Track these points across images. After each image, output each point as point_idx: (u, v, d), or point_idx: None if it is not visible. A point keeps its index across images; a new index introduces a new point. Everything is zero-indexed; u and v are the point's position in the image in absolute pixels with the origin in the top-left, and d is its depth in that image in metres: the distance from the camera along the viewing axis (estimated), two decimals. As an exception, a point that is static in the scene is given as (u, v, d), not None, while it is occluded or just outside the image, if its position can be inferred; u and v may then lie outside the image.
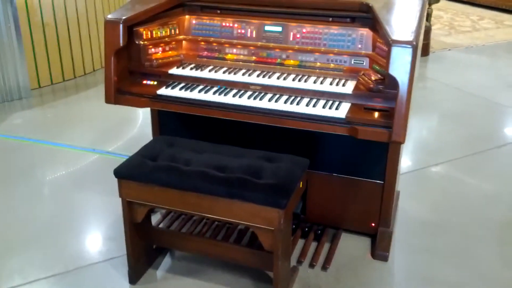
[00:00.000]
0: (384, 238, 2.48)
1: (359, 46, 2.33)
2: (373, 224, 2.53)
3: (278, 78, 2.32)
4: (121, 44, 2.29)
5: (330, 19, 2.35)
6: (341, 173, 2.51)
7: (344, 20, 2.35)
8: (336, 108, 2.14)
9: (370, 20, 2.29)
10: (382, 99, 2.14)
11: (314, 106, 2.17)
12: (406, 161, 3.41)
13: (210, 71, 2.41)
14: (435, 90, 4.78)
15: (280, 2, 2.44)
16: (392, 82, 2.04)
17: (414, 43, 1.91)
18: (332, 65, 2.36)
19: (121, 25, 2.26)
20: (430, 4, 5.89)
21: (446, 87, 4.84)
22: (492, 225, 2.77)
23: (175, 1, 2.50)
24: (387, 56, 1.97)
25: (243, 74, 2.36)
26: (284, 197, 1.90)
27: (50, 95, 4.62)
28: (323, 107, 2.16)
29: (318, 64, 2.38)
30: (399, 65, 1.93)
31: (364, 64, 2.32)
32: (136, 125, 4.01)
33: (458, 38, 6.69)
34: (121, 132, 3.91)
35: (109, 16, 2.31)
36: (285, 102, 2.21)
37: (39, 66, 4.68)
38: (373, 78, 2.21)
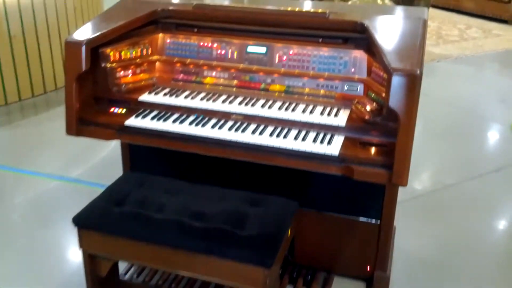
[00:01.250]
0: (381, 284, 2.23)
1: (352, 70, 2.09)
2: (368, 268, 2.28)
3: (262, 106, 2.06)
4: (84, 69, 2.00)
5: (320, 39, 2.10)
6: (333, 210, 2.26)
7: (336, 41, 2.10)
8: (329, 143, 1.89)
9: (365, 41, 2.05)
10: (379, 132, 1.89)
11: (303, 139, 1.92)
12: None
13: (186, 97, 2.14)
14: (426, 105, 4.54)
15: (265, 20, 2.18)
16: (391, 114, 1.80)
17: (418, 72, 1.67)
18: (322, 91, 2.11)
19: (83, 48, 1.98)
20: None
21: (437, 102, 4.64)
22: (502, 263, 2.54)
23: (147, 18, 2.23)
24: (386, 85, 1.72)
25: (223, 102, 2.10)
26: (271, 255, 1.64)
27: (18, 113, 4.30)
28: (314, 141, 1.91)
29: (307, 89, 2.13)
30: (401, 97, 1.68)
31: (358, 90, 2.08)
32: (112, 148, 3.72)
33: (447, 49, 6.51)
34: (95, 156, 3.61)
35: (70, 37, 2.03)
36: (271, 134, 1.96)
37: (5, 80, 4.36)
38: (368, 107, 1.97)
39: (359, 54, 2.07)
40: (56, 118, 4.21)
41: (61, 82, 4.74)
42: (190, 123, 2.05)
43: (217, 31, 2.24)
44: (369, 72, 2.05)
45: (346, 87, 2.10)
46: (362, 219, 2.24)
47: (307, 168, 1.90)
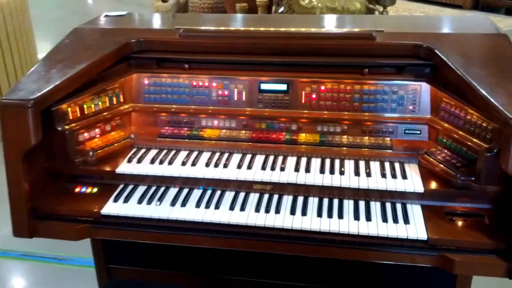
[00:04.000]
0: None
1: (411, 107, 1.54)
2: None
3: (296, 169, 1.47)
4: (33, 143, 1.35)
5: (366, 70, 1.53)
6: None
7: (387, 70, 1.54)
8: (406, 221, 1.33)
9: (428, 68, 1.51)
10: (469, 196, 1.36)
11: (368, 218, 1.35)
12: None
13: (184, 163, 1.52)
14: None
15: (283, 47, 1.58)
16: (489, 172, 1.28)
17: (552, 122, 1.14)
18: (372, 139, 1.54)
19: (30, 111, 1.32)
20: (385, 7, 5.30)
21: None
22: None
23: (117, 54, 1.58)
24: (502, 142, 1.18)
25: (239, 166, 1.50)
26: None
27: None
28: (384, 219, 1.34)
29: (350, 138, 1.55)
30: (529, 159, 1.15)
31: (422, 134, 1.54)
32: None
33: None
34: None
35: (7, 96, 1.35)
36: (319, 213, 1.37)
37: None
38: (443, 159, 1.43)
39: (420, 87, 1.52)
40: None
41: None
42: (198, 204, 1.43)
43: (216, 66, 1.63)
44: (436, 109, 1.50)
45: (404, 131, 1.54)
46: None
47: (378, 259, 1.35)
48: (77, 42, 1.62)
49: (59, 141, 1.48)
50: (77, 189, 1.51)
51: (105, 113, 1.60)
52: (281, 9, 4.75)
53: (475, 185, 1.32)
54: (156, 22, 1.83)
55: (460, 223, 1.32)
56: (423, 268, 1.57)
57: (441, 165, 1.41)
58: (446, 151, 1.46)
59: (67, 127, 1.48)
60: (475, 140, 1.37)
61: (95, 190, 1.50)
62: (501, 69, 1.34)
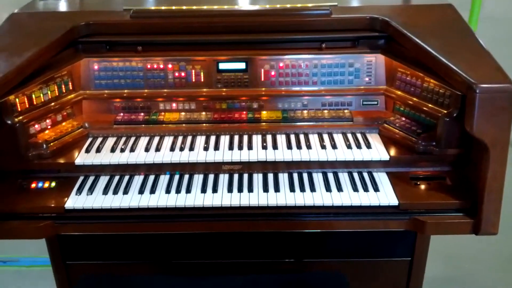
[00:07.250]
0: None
1: (367, 79, 1.58)
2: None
3: (264, 147, 1.47)
4: (-14, 138, 1.24)
5: (323, 44, 1.55)
6: (357, 256, 1.76)
7: (343, 44, 1.56)
8: (375, 189, 1.38)
9: (382, 40, 1.55)
10: (431, 160, 1.43)
11: (339, 189, 1.38)
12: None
13: (147, 149, 1.47)
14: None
15: (240, 25, 1.55)
16: (448, 137, 1.35)
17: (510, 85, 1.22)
18: (332, 113, 1.57)
19: (-20, 105, 1.21)
20: None
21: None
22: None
23: (64, 40, 1.48)
24: (467, 108, 1.24)
25: (206, 148, 1.47)
26: None
27: None
28: (354, 189, 1.38)
29: (311, 113, 1.57)
30: (491, 122, 1.22)
31: (379, 104, 1.59)
32: None
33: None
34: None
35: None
36: (291, 189, 1.38)
37: None
38: (403, 127, 1.48)
39: (375, 58, 1.56)
40: None
41: None
42: (168, 189, 1.39)
43: (171, 47, 1.57)
44: (391, 79, 1.56)
45: (362, 102, 1.59)
46: (390, 259, 1.77)
47: (354, 228, 1.39)
48: (18, 29, 1.50)
49: (8, 135, 1.37)
50: (33, 185, 1.41)
51: (55, 103, 1.50)
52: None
53: (436, 149, 1.38)
54: (100, 4, 1.73)
55: (425, 186, 1.39)
56: (384, 232, 1.65)
57: (402, 133, 1.47)
58: (404, 119, 1.52)
59: (17, 120, 1.37)
60: (432, 106, 1.43)
61: (53, 184, 1.42)
62: (454, 37, 1.41)
